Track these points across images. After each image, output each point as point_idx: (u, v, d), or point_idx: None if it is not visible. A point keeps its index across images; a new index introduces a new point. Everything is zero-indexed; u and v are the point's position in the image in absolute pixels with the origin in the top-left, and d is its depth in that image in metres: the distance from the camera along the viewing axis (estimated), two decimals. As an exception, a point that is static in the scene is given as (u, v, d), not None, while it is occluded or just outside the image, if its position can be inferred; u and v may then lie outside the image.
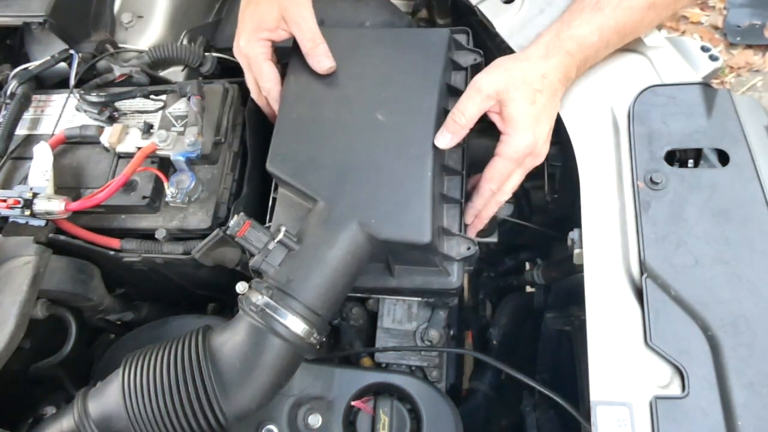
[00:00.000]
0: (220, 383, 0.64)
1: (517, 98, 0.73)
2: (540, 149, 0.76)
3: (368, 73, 0.81)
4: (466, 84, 0.79)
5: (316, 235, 0.69)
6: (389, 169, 0.73)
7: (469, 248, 0.74)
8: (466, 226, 0.80)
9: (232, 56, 0.87)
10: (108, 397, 0.66)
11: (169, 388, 0.64)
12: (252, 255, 0.69)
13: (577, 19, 0.76)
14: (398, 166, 0.73)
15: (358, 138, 0.75)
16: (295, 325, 0.65)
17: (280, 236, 0.68)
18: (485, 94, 0.74)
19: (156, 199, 0.85)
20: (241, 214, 0.69)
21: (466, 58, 0.86)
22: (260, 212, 0.85)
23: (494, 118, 0.77)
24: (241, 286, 0.69)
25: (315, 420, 0.78)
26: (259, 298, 0.65)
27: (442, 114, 0.77)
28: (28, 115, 0.95)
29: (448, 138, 0.75)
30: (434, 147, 0.73)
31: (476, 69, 0.83)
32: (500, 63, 0.77)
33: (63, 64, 0.96)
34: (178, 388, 0.63)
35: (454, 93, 0.82)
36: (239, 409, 0.65)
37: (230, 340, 0.66)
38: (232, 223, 0.69)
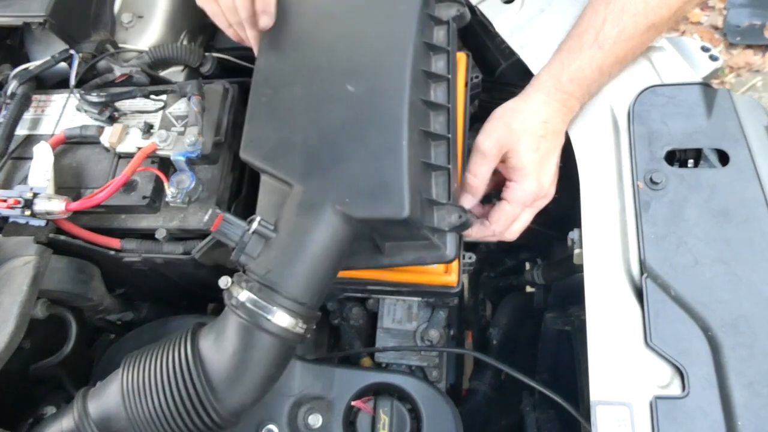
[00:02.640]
0: (212, 382, 0.63)
1: (521, 150, 0.73)
2: (547, 191, 0.76)
3: (337, 40, 0.76)
4: (449, 40, 0.76)
5: (292, 220, 0.66)
6: (362, 143, 0.68)
7: (460, 217, 0.69)
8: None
9: (233, 56, 0.87)
10: (108, 397, 0.66)
11: (164, 388, 0.63)
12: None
13: (576, 60, 0.75)
14: (371, 138, 0.68)
15: (329, 113, 0.71)
16: (280, 318, 0.63)
17: (255, 226, 0.66)
18: (490, 156, 0.75)
19: (156, 199, 0.85)
20: (215, 208, 0.67)
21: (448, 11, 0.79)
22: (260, 212, 0.85)
23: (499, 167, 0.77)
24: (223, 281, 0.67)
25: (315, 420, 0.78)
26: (241, 293, 0.63)
27: (421, 77, 0.73)
28: (28, 115, 0.95)
29: (469, 198, 0.77)
30: (410, 113, 0.68)
31: (460, 20, 0.79)
32: (500, 116, 0.76)
33: (63, 64, 0.96)
34: (171, 389, 0.63)
35: (436, 50, 0.77)
36: (234, 406, 0.64)
37: (217, 338, 0.65)
38: (205, 218, 0.66)
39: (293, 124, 0.71)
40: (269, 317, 0.62)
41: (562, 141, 0.77)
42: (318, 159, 0.68)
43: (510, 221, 0.76)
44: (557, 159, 0.77)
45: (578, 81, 0.75)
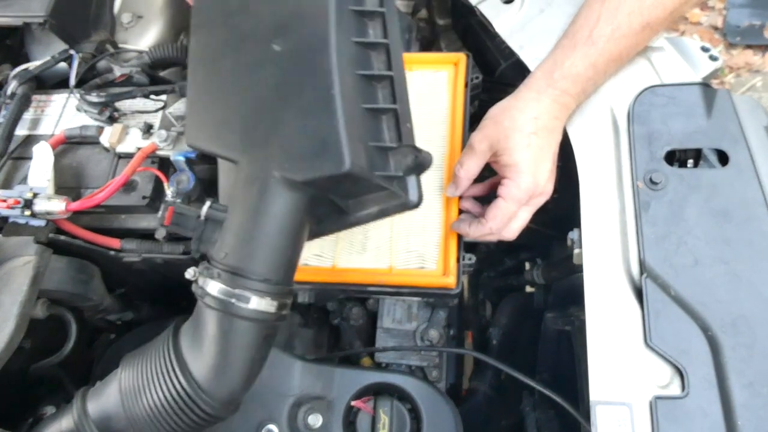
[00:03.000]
0: (197, 378, 0.63)
1: (510, 147, 0.73)
2: (542, 188, 0.76)
3: (260, 1, 0.70)
4: None
5: (240, 198, 0.63)
6: (294, 103, 0.63)
7: (415, 158, 0.64)
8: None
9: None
10: (107, 396, 0.66)
11: (155, 387, 0.63)
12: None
13: (569, 57, 0.75)
14: (303, 95, 0.62)
15: (260, 79, 0.66)
16: (249, 301, 0.61)
17: (205, 211, 0.64)
18: (479, 151, 0.76)
19: (156, 199, 0.85)
20: (166, 201, 0.65)
21: None
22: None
23: (494, 166, 0.78)
24: (190, 272, 0.65)
25: (315, 420, 0.78)
26: (207, 284, 0.62)
27: (351, 17, 0.67)
28: (28, 115, 0.95)
29: (453, 189, 0.79)
30: (340, 58, 0.62)
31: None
32: (492, 114, 0.77)
33: (63, 64, 0.96)
34: (161, 388, 0.63)
35: None
36: (224, 397, 0.64)
37: (195, 333, 0.64)
38: (159, 214, 0.65)
39: (228, 98, 0.67)
40: (238, 303, 0.60)
41: (557, 138, 0.77)
42: (255, 129, 0.64)
43: (506, 218, 0.76)
44: (553, 156, 0.76)
45: (571, 78, 0.74)
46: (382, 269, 0.81)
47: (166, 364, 0.63)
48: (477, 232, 0.77)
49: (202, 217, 0.65)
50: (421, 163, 0.65)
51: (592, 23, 0.74)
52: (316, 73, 0.62)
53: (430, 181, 0.85)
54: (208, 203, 0.64)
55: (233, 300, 0.60)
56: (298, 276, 0.81)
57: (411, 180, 0.67)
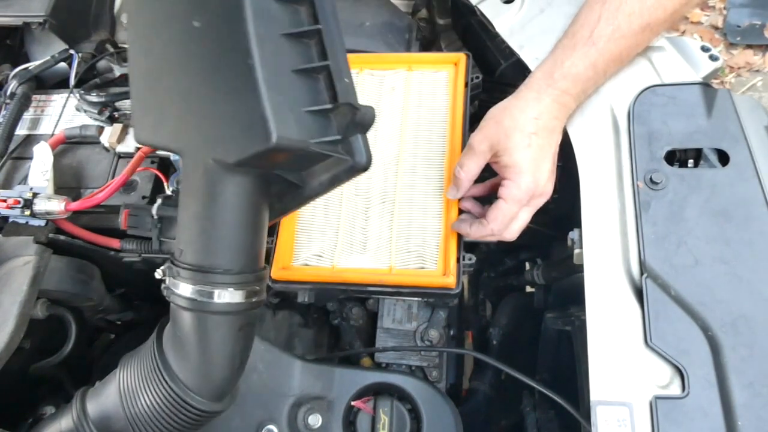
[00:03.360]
0: (182, 379, 0.62)
1: (511, 147, 0.73)
2: (543, 189, 0.75)
3: None
4: None
5: (187, 190, 0.61)
6: (217, 79, 0.59)
7: (354, 116, 0.59)
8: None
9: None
10: (106, 397, 0.66)
11: (148, 388, 0.63)
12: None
13: (570, 57, 0.75)
14: (223, 69, 0.59)
15: (186, 61, 0.62)
16: (217, 296, 0.59)
17: (156, 209, 0.62)
18: (479, 152, 0.75)
19: (156, 199, 0.85)
20: (123, 205, 0.64)
21: None
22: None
23: (494, 167, 0.78)
24: (158, 272, 0.64)
25: (315, 420, 0.78)
26: (174, 284, 0.61)
27: None
28: (28, 115, 0.95)
29: (454, 191, 0.79)
30: (256, 19, 0.57)
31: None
32: (492, 114, 0.77)
33: (63, 64, 0.96)
34: (153, 389, 0.63)
35: None
36: (215, 392, 0.63)
37: (174, 334, 0.64)
38: (119, 219, 0.64)
39: (163, 85, 0.63)
40: (203, 299, 0.59)
41: (557, 138, 0.77)
42: (187, 115, 0.61)
43: (508, 219, 0.76)
44: (553, 156, 0.76)
45: (572, 77, 0.74)
46: (382, 269, 0.81)
47: (153, 367, 0.63)
48: (478, 232, 0.77)
49: (155, 216, 0.63)
50: (360, 121, 0.59)
51: (593, 23, 0.74)
52: (233, 44, 0.57)
53: (431, 181, 0.85)
54: (159, 200, 0.63)
55: (198, 297, 0.59)
56: (298, 276, 0.82)
57: (356, 141, 0.62)
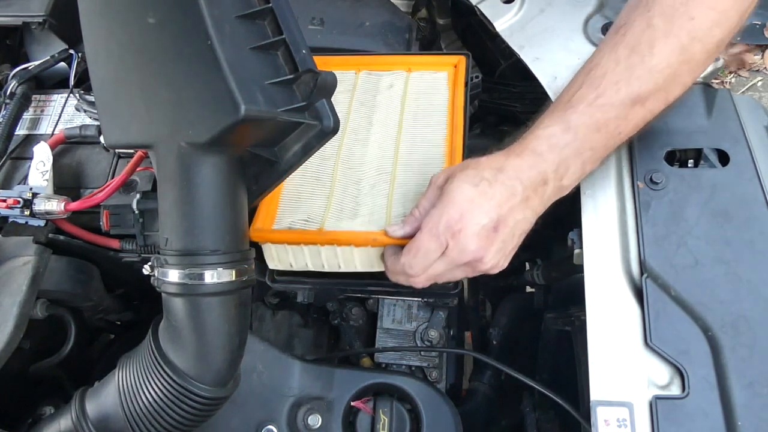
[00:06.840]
0: (182, 370, 0.62)
1: (458, 178, 0.66)
2: (466, 244, 0.64)
3: None
4: None
5: (163, 179, 0.62)
6: (180, 67, 0.61)
7: (316, 81, 0.61)
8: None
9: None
10: (105, 397, 0.66)
11: (147, 386, 0.63)
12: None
13: (546, 119, 0.67)
14: (184, 57, 0.61)
15: (144, 56, 0.64)
16: (202, 277, 0.60)
17: (135, 204, 0.63)
18: (435, 186, 0.69)
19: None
20: (103, 206, 0.64)
21: None
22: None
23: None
24: (146, 268, 0.65)
25: (315, 420, 0.78)
26: (163, 273, 0.61)
27: None
28: (27, 115, 0.95)
29: (404, 229, 0.70)
30: (210, 6, 0.60)
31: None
32: (463, 162, 0.70)
33: (63, 64, 0.96)
34: (152, 386, 0.63)
35: None
36: (216, 378, 0.63)
37: (169, 324, 0.64)
38: (101, 221, 0.65)
39: (125, 89, 0.65)
40: (194, 282, 0.60)
41: (520, 215, 0.66)
42: (154, 109, 0.63)
43: (422, 258, 0.66)
44: (510, 230, 0.66)
45: (545, 138, 0.66)
46: (374, 231, 0.74)
47: (151, 361, 0.63)
48: (392, 266, 0.70)
49: (135, 211, 0.64)
50: (322, 85, 0.62)
51: (574, 90, 0.67)
52: (191, 30, 0.60)
53: (429, 181, 0.84)
54: (137, 196, 0.63)
55: (188, 281, 0.60)
56: (284, 238, 0.77)
57: (322, 106, 0.64)
